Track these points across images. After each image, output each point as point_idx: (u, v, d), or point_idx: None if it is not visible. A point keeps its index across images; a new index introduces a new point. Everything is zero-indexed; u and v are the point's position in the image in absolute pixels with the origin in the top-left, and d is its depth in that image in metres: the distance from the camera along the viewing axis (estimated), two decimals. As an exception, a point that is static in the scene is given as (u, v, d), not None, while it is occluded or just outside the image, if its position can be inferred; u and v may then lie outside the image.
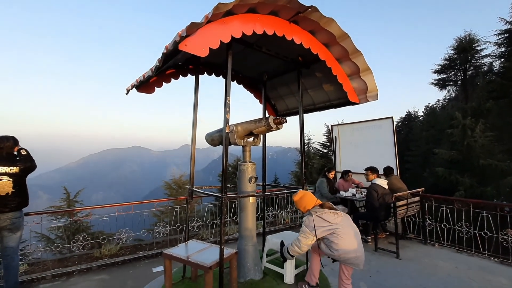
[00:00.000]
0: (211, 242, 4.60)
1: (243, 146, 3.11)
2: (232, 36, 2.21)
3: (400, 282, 3.53)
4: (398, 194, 4.67)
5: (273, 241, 3.21)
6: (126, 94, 3.21)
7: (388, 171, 5.15)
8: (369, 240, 5.03)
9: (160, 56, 2.25)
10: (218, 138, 3.17)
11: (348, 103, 3.42)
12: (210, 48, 2.09)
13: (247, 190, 3.03)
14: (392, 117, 5.65)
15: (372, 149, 6.00)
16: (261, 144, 3.46)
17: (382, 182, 4.65)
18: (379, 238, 5.07)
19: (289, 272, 2.99)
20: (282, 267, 3.05)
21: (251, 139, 3.16)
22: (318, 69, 3.44)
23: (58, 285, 3.57)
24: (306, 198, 2.70)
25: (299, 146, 3.63)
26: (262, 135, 3.33)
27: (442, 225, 4.90)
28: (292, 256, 2.68)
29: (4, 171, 2.95)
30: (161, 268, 3.88)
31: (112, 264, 4.16)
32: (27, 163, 3.15)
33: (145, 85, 3.15)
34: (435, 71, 14.51)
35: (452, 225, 4.79)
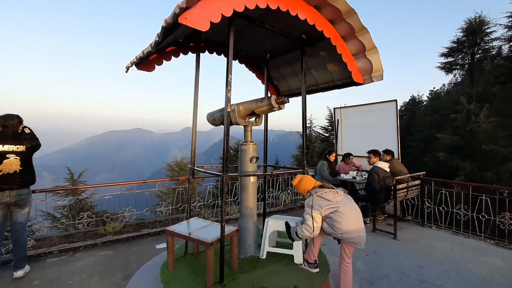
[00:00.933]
0: (212, 221, 4.70)
1: (244, 126, 3.09)
2: (234, 10, 2.13)
3: (396, 262, 3.62)
4: (399, 177, 4.69)
5: (274, 223, 3.03)
6: (126, 71, 3.16)
7: (387, 153, 5.15)
8: (368, 222, 5.12)
9: (160, 30, 2.19)
10: (219, 118, 3.14)
11: (352, 83, 3.35)
12: (211, 23, 2.02)
13: (248, 170, 3.04)
14: (396, 100, 5.56)
15: (374, 133, 5.96)
16: (262, 125, 3.43)
17: (384, 165, 4.66)
18: (378, 219, 5.15)
19: (299, 252, 2.92)
20: (289, 248, 2.96)
21: (252, 119, 3.13)
22: (322, 48, 3.34)
23: (64, 259, 3.68)
24: (304, 180, 2.72)
25: (300, 129, 3.60)
26: (263, 115, 3.30)
27: (441, 208, 4.95)
28: (300, 238, 2.67)
29: (11, 149, 2.99)
30: (164, 245, 3.98)
31: (117, 241, 4.27)
32: (32, 142, 3.18)
33: (145, 62, 3.09)
34: (442, 54, 14.15)
35: (451, 208, 4.84)
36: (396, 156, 5.36)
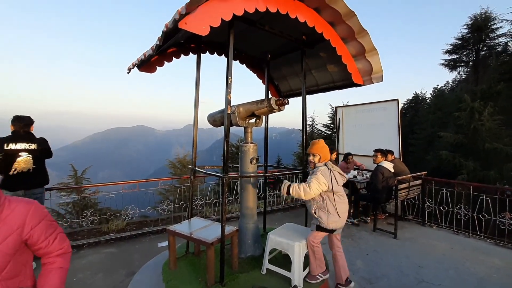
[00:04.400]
0: (214, 219, 4.74)
1: (244, 127, 3.12)
2: (233, 14, 2.15)
3: (395, 261, 3.65)
4: (400, 177, 4.71)
5: (276, 240, 2.85)
6: (128, 73, 3.20)
7: (388, 153, 5.14)
8: (368, 221, 5.15)
9: (160, 34, 2.21)
10: (219, 119, 3.18)
11: (352, 84, 3.37)
12: (211, 27, 2.04)
13: (248, 170, 3.08)
14: (397, 100, 5.55)
15: (375, 132, 5.96)
16: (263, 125, 3.46)
17: (389, 165, 4.66)
18: (378, 219, 5.18)
19: (297, 274, 2.65)
20: (288, 270, 2.72)
21: (253, 120, 3.16)
22: (322, 49, 3.35)
23: (69, 257, 3.76)
24: (327, 149, 2.75)
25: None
26: (264, 116, 3.33)
27: (441, 208, 4.96)
28: (288, 194, 2.65)
29: (23, 147, 3.08)
30: (166, 243, 4.05)
31: (120, 239, 4.34)
32: (45, 145, 3.28)
33: (147, 64, 3.13)
34: (447, 51, 14.00)
35: (451, 208, 4.85)
36: (397, 155, 5.36)
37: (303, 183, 2.60)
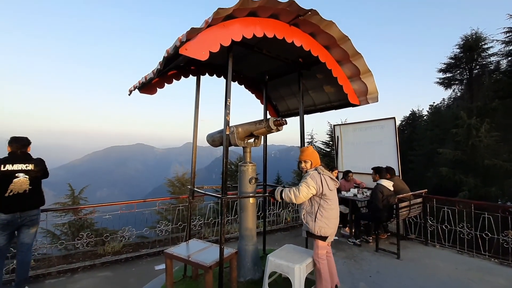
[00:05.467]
0: (213, 240, 4.65)
1: (243, 147, 3.15)
2: (232, 40, 2.24)
3: (399, 283, 3.55)
4: (401, 195, 4.67)
5: (276, 262, 2.78)
6: (129, 95, 3.27)
7: (387, 171, 5.13)
8: (370, 241, 5.05)
9: (161, 59, 2.29)
10: (218, 139, 3.21)
11: (348, 104, 3.43)
12: (210, 52, 2.12)
13: (247, 190, 3.06)
14: (394, 118, 5.63)
15: (374, 150, 5.99)
16: (262, 145, 3.49)
17: (388, 184, 4.64)
18: (381, 238, 5.08)
19: None
20: None
21: (251, 140, 3.19)
22: (319, 71, 3.45)
23: (63, 281, 3.65)
24: (316, 155, 2.78)
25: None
26: (262, 136, 3.36)
27: (444, 226, 4.89)
28: (281, 199, 2.69)
29: (20, 168, 3.06)
30: (163, 266, 3.94)
31: (115, 262, 4.23)
32: (41, 165, 3.27)
33: (148, 86, 3.20)
34: (440, 70, 14.37)
35: (454, 226, 4.78)
36: (397, 173, 5.35)
37: (294, 188, 2.63)
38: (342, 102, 3.56)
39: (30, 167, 3.14)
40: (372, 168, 4.92)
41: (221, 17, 2.13)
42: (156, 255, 4.53)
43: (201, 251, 2.83)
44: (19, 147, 3.15)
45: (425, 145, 13.47)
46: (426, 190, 5.32)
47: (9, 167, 3.00)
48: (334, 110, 3.96)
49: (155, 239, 5.10)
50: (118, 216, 4.66)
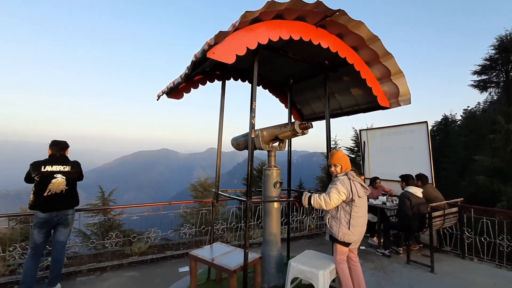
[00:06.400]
0: (235, 245, 4.63)
1: (268, 151, 3.12)
2: (258, 43, 2.24)
3: (434, 299, 3.30)
4: (434, 204, 4.38)
5: (298, 268, 2.74)
6: (157, 100, 3.38)
7: (420, 179, 4.84)
8: (401, 252, 4.77)
9: (189, 63, 2.34)
10: (243, 143, 3.21)
11: (378, 107, 3.30)
12: (236, 55, 2.13)
13: (272, 195, 3.02)
14: (426, 122, 5.33)
15: (404, 156, 5.70)
16: (286, 149, 3.44)
17: (416, 191, 4.38)
18: (412, 249, 4.78)
19: None
20: None
21: (276, 144, 3.16)
22: (345, 73, 3.36)
23: (93, 279, 3.79)
24: (347, 159, 2.72)
25: (324, 150, 3.56)
26: (287, 140, 3.32)
27: (482, 238, 4.50)
28: (309, 206, 2.62)
29: (59, 169, 3.26)
30: (186, 269, 3.98)
31: (142, 262, 4.34)
32: (78, 168, 3.46)
33: (175, 91, 3.29)
34: (475, 72, 13.49)
35: (493, 239, 4.39)
36: (430, 180, 5.04)
37: (323, 194, 2.58)
38: (371, 105, 3.42)
39: (68, 168, 3.33)
40: (400, 176, 4.69)
41: (248, 21, 2.14)
42: (180, 257, 4.59)
43: (225, 255, 2.82)
44: (58, 149, 3.36)
45: (459, 152, 12.61)
46: (462, 199, 4.95)
47: (48, 168, 3.20)
48: (360, 114, 3.83)
49: (179, 242, 5.18)
50: (144, 218, 4.80)
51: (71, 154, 3.59)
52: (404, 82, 2.95)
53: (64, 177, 3.28)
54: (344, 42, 2.76)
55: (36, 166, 3.17)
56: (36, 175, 3.13)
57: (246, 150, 3.07)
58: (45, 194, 3.15)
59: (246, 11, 2.01)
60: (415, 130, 5.50)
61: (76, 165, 3.45)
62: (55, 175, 3.22)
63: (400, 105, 3.09)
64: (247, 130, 2.65)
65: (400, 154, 5.79)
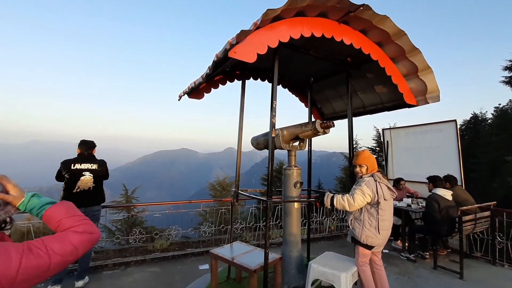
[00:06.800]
0: (254, 244, 4.63)
1: (288, 151, 3.08)
2: (279, 41, 2.21)
3: (465, 308, 3.12)
4: (465, 207, 4.13)
5: (319, 269, 2.72)
6: (179, 100, 3.44)
7: (448, 180, 4.59)
8: (427, 256, 4.55)
9: (210, 63, 2.36)
10: (263, 142, 3.19)
11: (404, 105, 3.16)
12: (258, 54, 2.12)
13: (292, 195, 2.98)
14: (455, 120, 5.04)
15: (430, 156, 5.43)
16: (306, 149, 3.38)
17: (445, 193, 4.16)
18: (439, 255, 4.55)
19: None
20: None
21: (296, 143, 3.11)
22: (369, 70, 3.25)
23: (118, 273, 3.94)
24: (373, 159, 2.65)
25: (344, 150, 3.48)
26: (308, 140, 3.26)
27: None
28: (331, 207, 2.57)
29: (87, 167, 3.44)
30: (206, 266, 4.03)
31: (163, 258, 4.45)
32: (104, 167, 3.62)
33: (196, 91, 3.33)
34: (506, 68, 12.60)
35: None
36: (459, 182, 4.76)
37: (347, 195, 2.52)
38: (397, 103, 3.28)
39: (95, 166, 3.49)
40: (427, 178, 4.48)
41: (269, 19, 2.12)
42: (200, 255, 4.65)
43: (245, 254, 2.82)
44: (86, 148, 3.53)
45: (489, 152, 11.82)
46: (495, 202, 4.64)
47: (78, 166, 3.37)
48: (384, 112, 3.69)
49: (198, 240, 5.26)
50: (166, 216, 4.93)
51: (97, 153, 3.76)
52: (432, 79, 2.80)
53: (92, 175, 3.44)
54: (368, 38, 2.67)
55: (66, 164, 3.34)
56: (66, 172, 3.31)
57: (265, 149, 3.06)
58: (74, 190, 3.32)
59: (268, 9, 1.99)
60: (443, 129, 5.22)
61: (102, 164, 3.60)
62: (83, 173, 3.38)
63: (428, 103, 2.94)
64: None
65: (426, 154, 5.52)
